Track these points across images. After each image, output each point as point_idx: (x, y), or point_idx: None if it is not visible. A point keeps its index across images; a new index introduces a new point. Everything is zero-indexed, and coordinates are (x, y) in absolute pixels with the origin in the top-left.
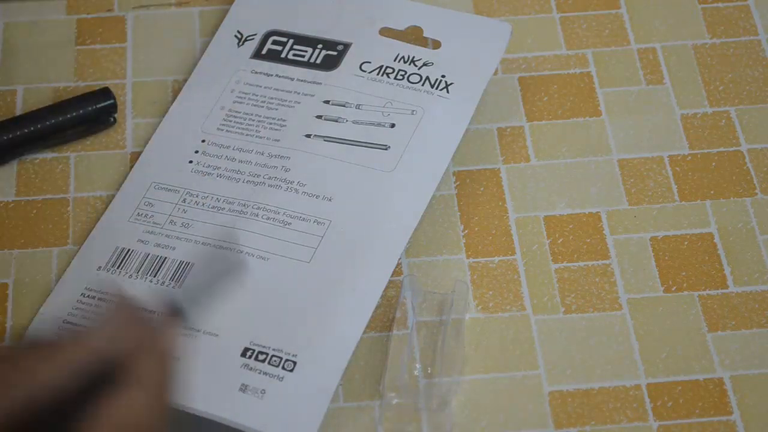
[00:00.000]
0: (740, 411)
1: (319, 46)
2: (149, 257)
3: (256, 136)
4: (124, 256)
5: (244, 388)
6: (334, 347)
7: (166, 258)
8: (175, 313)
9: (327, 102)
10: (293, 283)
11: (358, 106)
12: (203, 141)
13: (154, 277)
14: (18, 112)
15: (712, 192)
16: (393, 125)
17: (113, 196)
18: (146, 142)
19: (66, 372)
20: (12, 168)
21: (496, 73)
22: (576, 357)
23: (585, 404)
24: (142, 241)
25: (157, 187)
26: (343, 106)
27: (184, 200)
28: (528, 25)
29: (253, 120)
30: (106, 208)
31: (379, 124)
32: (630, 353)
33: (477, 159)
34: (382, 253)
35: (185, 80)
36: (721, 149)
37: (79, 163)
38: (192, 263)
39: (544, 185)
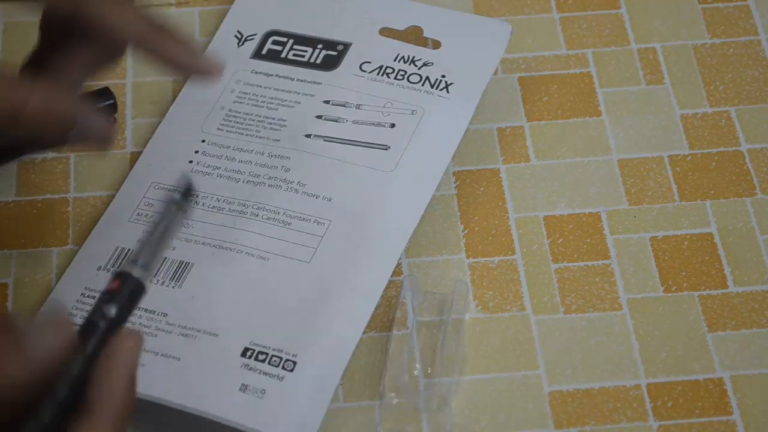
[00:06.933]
0: (740, 411)
1: (319, 46)
2: None
3: (256, 136)
4: (124, 256)
5: (244, 388)
6: (334, 347)
7: (165, 258)
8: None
9: (327, 102)
10: (293, 283)
11: (358, 106)
12: (203, 141)
13: (154, 277)
14: None
15: (712, 192)
16: (393, 125)
17: (113, 196)
18: (146, 142)
19: None
20: (12, 168)
21: (496, 73)
22: (576, 357)
23: (585, 404)
24: None
25: (157, 187)
26: (343, 106)
27: None
28: (528, 25)
29: (253, 120)
30: (106, 208)
31: (379, 124)
32: (630, 353)
33: (477, 159)
34: (382, 253)
35: (185, 80)
36: (721, 149)
37: (79, 163)
38: (192, 263)
39: (544, 185)
